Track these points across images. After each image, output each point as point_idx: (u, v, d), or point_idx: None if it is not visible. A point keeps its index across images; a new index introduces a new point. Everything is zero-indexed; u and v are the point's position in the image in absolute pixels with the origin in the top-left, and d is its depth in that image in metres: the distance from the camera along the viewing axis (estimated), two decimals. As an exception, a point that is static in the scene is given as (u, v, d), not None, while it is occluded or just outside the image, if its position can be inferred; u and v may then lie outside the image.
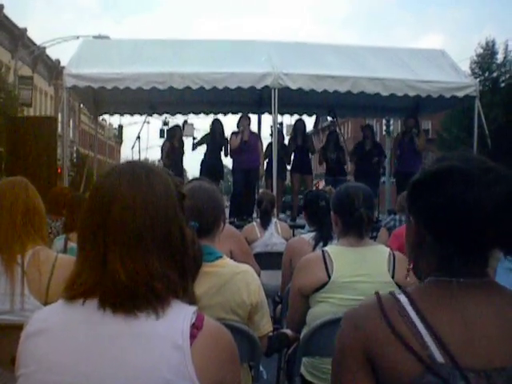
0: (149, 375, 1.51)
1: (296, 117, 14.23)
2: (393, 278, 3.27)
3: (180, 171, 12.78)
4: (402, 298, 1.67)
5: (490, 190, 1.63)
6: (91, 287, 1.61)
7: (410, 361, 1.57)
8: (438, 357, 1.55)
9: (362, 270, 3.32)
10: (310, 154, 13.61)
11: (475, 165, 1.69)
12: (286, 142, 13.33)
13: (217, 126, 12.79)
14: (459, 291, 1.67)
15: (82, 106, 14.98)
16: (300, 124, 13.34)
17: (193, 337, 1.55)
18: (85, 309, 1.60)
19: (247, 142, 12.00)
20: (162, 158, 13.14)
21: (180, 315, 1.60)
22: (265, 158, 13.03)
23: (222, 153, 12.66)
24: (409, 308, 1.63)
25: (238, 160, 12.27)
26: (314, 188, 17.23)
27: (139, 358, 1.53)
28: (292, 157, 13.18)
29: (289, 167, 13.44)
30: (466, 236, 1.66)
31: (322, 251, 3.46)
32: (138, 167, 1.73)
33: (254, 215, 11.30)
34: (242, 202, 12.28)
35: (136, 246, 1.61)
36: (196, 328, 1.58)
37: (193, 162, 13.61)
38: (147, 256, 1.61)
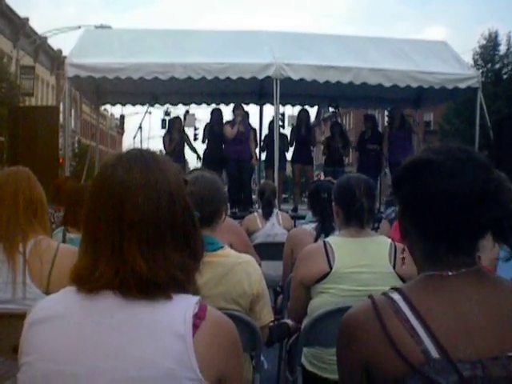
0: (151, 365, 1.51)
1: (298, 107, 14.23)
2: (394, 268, 3.27)
3: (181, 162, 12.78)
4: (396, 296, 1.68)
5: (463, 179, 1.65)
6: (110, 279, 1.59)
7: (400, 365, 1.58)
8: (433, 352, 1.57)
9: (363, 261, 3.32)
10: (311, 146, 13.57)
11: (452, 156, 1.70)
12: (285, 132, 13.30)
13: (216, 115, 12.79)
14: (450, 284, 1.69)
15: (82, 96, 14.94)
16: (304, 114, 13.33)
17: (195, 327, 1.55)
18: (91, 299, 1.60)
19: (242, 133, 12.00)
20: (164, 148, 13.17)
21: (183, 305, 1.59)
22: (264, 150, 13.01)
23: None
24: (403, 305, 1.65)
25: (231, 150, 12.22)
26: (316, 179, 17.23)
27: (142, 349, 1.53)
28: (293, 147, 13.17)
29: (289, 157, 13.42)
30: (445, 227, 1.68)
31: (324, 242, 3.47)
32: (147, 154, 1.72)
33: (255, 205, 11.29)
34: (239, 193, 12.29)
35: (154, 235, 1.60)
36: (199, 318, 1.57)
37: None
38: (165, 245, 1.61)
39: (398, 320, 1.62)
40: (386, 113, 19.04)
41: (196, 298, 1.63)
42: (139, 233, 1.60)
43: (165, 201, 1.63)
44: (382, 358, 1.62)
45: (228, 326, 1.66)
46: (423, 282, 1.72)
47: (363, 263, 3.32)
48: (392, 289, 1.74)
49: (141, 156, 1.70)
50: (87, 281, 1.61)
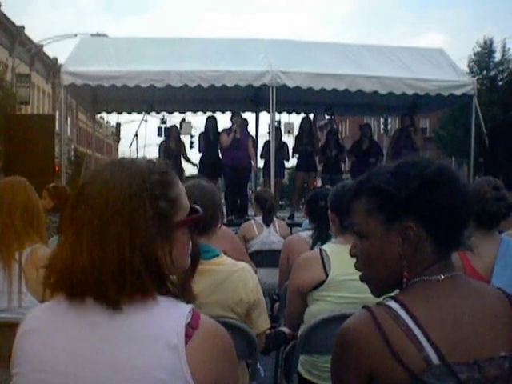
0: (143, 376, 1.48)
1: (294, 115, 14.27)
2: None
3: (178, 170, 12.73)
4: (393, 305, 1.68)
5: (464, 183, 1.80)
6: (61, 279, 1.57)
7: (402, 374, 1.59)
8: (434, 358, 1.58)
9: (359, 268, 3.32)
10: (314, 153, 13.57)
11: (446, 165, 1.84)
12: (286, 140, 13.34)
13: (211, 123, 12.81)
14: (444, 288, 1.71)
15: (78, 104, 14.96)
16: (306, 121, 13.40)
17: (188, 336, 1.52)
18: (77, 307, 1.57)
19: (239, 140, 12.02)
20: (159, 157, 13.17)
21: (175, 314, 1.56)
22: (262, 157, 13.02)
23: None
24: (402, 313, 1.65)
25: (228, 157, 12.25)
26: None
27: (133, 359, 1.50)
28: (297, 155, 13.19)
29: (287, 164, 13.43)
30: (464, 229, 1.76)
31: (320, 250, 3.47)
32: (114, 160, 1.70)
33: (251, 213, 11.30)
34: (235, 200, 12.29)
35: (101, 233, 1.55)
36: (192, 327, 1.54)
37: (191, 159, 13.57)
38: (112, 244, 1.54)
39: (399, 328, 1.62)
40: (381, 120, 19.02)
41: (189, 307, 1.60)
42: (88, 230, 1.56)
43: (112, 201, 1.57)
44: (384, 369, 1.61)
45: (221, 335, 1.62)
46: (417, 287, 1.72)
47: (359, 271, 3.32)
48: (386, 297, 1.74)
49: (109, 162, 1.70)
50: (68, 287, 1.58)
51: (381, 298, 1.79)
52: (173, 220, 1.63)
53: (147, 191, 1.59)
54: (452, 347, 1.60)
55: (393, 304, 1.68)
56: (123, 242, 1.53)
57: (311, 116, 14.73)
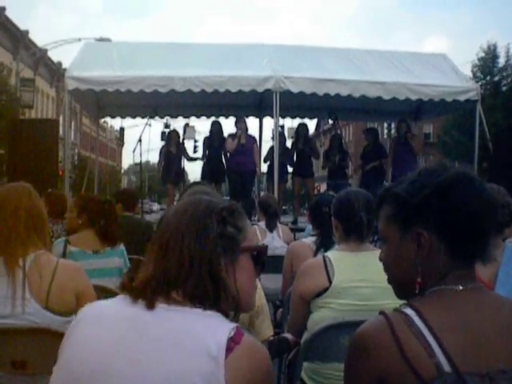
0: (180, 379, 1.54)
1: (297, 120, 14.27)
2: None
3: (178, 175, 12.82)
4: (409, 311, 1.69)
5: (487, 191, 1.77)
6: (137, 286, 1.72)
7: (413, 381, 1.59)
8: (446, 366, 1.58)
9: (362, 275, 3.32)
10: (312, 158, 13.54)
11: (466, 170, 1.81)
12: (288, 144, 13.35)
13: (215, 128, 12.83)
14: (461, 299, 1.71)
15: (82, 109, 15.00)
16: (302, 128, 13.36)
17: (229, 350, 1.57)
18: (132, 306, 1.69)
19: (243, 145, 12.02)
20: (159, 161, 13.23)
21: (220, 327, 1.63)
22: (266, 161, 13.02)
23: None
24: (417, 320, 1.66)
25: (233, 162, 12.29)
26: (316, 191, 17.22)
27: (174, 362, 1.57)
28: (294, 160, 13.18)
29: (290, 170, 13.43)
30: (478, 239, 1.75)
31: (323, 256, 3.46)
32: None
33: (254, 218, 11.29)
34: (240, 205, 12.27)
35: (172, 247, 1.73)
36: (233, 342, 1.59)
37: (195, 164, 13.60)
38: (184, 255, 1.71)
39: (413, 335, 1.63)
40: (385, 125, 18.99)
41: (234, 324, 1.67)
42: (156, 250, 1.80)
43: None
44: (396, 374, 1.62)
45: (262, 355, 1.67)
46: (435, 296, 1.73)
47: (363, 277, 3.31)
48: (403, 304, 1.75)
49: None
50: (130, 288, 1.74)
51: (386, 303, 1.81)
52: (238, 244, 1.80)
53: (216, 214, 1.78)
54: (465, 357, 1.60)
55: (409, 311, 1.69)
56: (194, 252, 1.70)
57: (314, 121, 14.73)
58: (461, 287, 1.72)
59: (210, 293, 1.68)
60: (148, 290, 1.69)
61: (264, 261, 1.95)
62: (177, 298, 1.68)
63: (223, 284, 1.72)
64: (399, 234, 1.81)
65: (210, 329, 1.62)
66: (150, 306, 1.66)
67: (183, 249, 1.71)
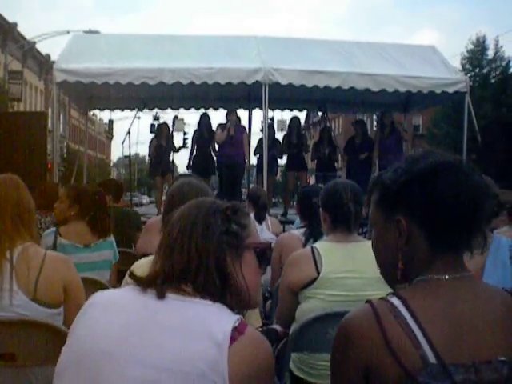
0: (187, 362, 1.61)
1: (287, 112, 14.28)
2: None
3: (168, 167, 12.80)
4: (396, 301, 1.68)
5: (474, 178, 1.73)
6: (149, 277, 1.82)
7: (398, 371, 1.59)
8: (431, 357, 1.58)
9: (350, 266, 3.33)
10: (304, 153, 13.55)
11: (453, 158, 1.78)
12: (280, 137, 13.35)
13: (204, 120, 12.81)
14: (448, 288, 1.70)
15: (71, 101, 14.95)
16: (295, 121, 13.36)
17: (233, 339, 1.64)
18: (143, 294, 1.77)
19: (233, 137, 12.00)
20: (149, 154, 13.19)
21: (225, 317, 1.71)
22: (255, 154, 13.01)
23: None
24: (403, 310, 1.65)
25: (223, 154, 12.26)
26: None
27: (180, 346, 1.63)
28: (286, 154, 13.18)
29: (280, 161, 13.43)
30: (460, 228, 1.72)
31: (311, 247, 3.47)
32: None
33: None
34: (230, 197, 12.24)
35: (171, 250, 1.82)
36: (238, 332, 1.66)
37: (183, 157, 13.57)
38: (192, 249, 1.79)
39: (399, 325, 1.62)
40: (374, 117, 19.01)
41: (239, 316, 1.74)
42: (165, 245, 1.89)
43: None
44: (381, 364, 1.62)
45: (264, 346, 1.75)
46: (421, 286, 1.73)
47: (351, 268, 3.32)
48: (390, 293, 1.74)
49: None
50: (141, 278, 1.83)
51: (375, 294, 1.81)
52: (242, 241, 1.87)
53: (221, 213, 1.87)
54: (450, 347, 1.60)
55: (395, 300, 1.68)
56: (201, 247, 1.79)
57: (304, 114, 14.73)
58: (447, 276, 1.71)
59: (218, 287, 1.77)
60: (158, 280, 1.78)
61: (269, 258, 2.03)
62: (186, 289, 1.76)
63: (231, 279, 1.81)
64: (383, 220, 1.82)
65: (216, 318, 1.70)
66: (161, 295, 1.74)
67: (191, 246, 1.79)
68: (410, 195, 1.74)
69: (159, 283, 1.77)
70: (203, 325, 1.67)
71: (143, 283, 1.80)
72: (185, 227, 1.83)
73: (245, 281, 1.83)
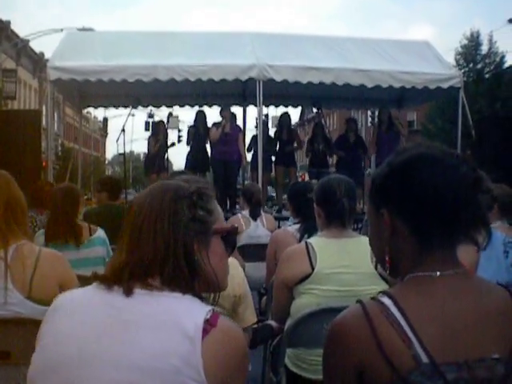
0: (159, 359, 1.57)
1: (281, 108, 14.26)
2: (376, 268, 3.27)
3: (163, 165, 12.80)
4: (387, 301, 1.65)
5: (458, 171, 1.69)
6: (111, 272, 1.76)
7: (390, 372, 1.58)
8: (423, 357, 1.56)
9: (345, 261, 3.33)
10: (294, 148, 13.56)
11: (439, 150, 1.75)
12: (271, 133, 13.36)
13: (200, 117, 12.78)
14: (439, 286, 1.67)
15: (65, 99, 14.92)
16: (285, 117, 13.36)
17: (205, 332, 1.60)
18: (109, 292, 1.70)
19: (227, 134, 11.98)
20: (148, 151, 13.18)
21: (196, 309, 1.66)
22: (249, 150, 13.01)
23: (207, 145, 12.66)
24: (393, 309, 1.63)
25: (217, 151, 12.25)
26: (300, 180, 17.23)
27: (151, 343, 1.60)
28: (276, 150, 13.17)
29: (274, 158, 13.44)
30: (444, 222, 1.68)
31: (306, 243, 3.47)
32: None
33: (238, 207, 11.29)
34: (223, 194, 12.26)
35: (147, 232, 1.75)
36: (210, 324, 1.62)
37: (178, 154, 13.59)
38: (158, 239, 1.73)
39: (390, 326, 1.60)
40: (368, 113, 19.01)
41: (210, 307, 1.70)
42: (129, 235, 1.80)
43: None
44: (373, 365, 1.60)
45: (237, 337, 1.70)
46: (412, 284, 1.70)
47: (345, 264, 3.33)
48: (380, 292, 1.72)
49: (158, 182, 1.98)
50: (104, 278, 1.76)
51: (369, 289, 1.81)
52: (209, 227, 1.82)
53: (186, 198, 1.79)
54: (442, 346, 1.58)
55: (386, 300, 1.66)
56: (168, 237, 1.73)
57: (298, 110, 14.76)
58: (438, 273, 1.68)
59: (187, 276, 1.72)
60: (124, 275, 1.70)
61: (235, 242, 1.98)
62: (154, 283, 1.70)
63: (199, 267, 1.75)
64: (373, 213, 1.81)
65: (186, 311, 1.65)
66: (128, 291, 1.68)
67: (157, 234, 1.73)
68: (390, 188, 1.73)
69: (125, 279, 1.70)
70: (174, 319, 1.63)
71: (109, 280, 1.73)
72: (150, 215, 1.76)
73: (212, 267, 1.79)
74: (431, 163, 1.70)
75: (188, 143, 12.81)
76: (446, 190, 1.66)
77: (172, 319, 1.63)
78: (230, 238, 1.92)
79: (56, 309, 1.76)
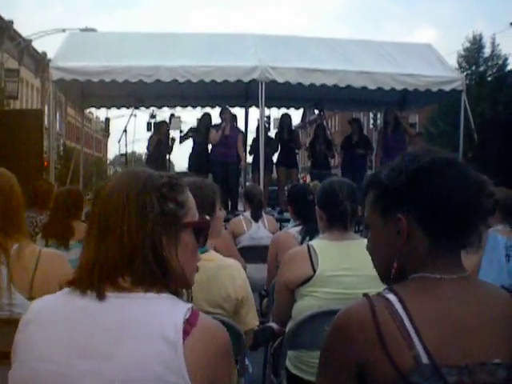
0: (140, 368, 1.52)
1: (283, 110, 14.25)
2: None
3: (165, 164, 12.80)
4: (392, 297, 1.67)
5: (468, 176, 1.74)
6: (80, 274, 1.67)
7: (390, 369, 1.58)
8: (424, 357, 1.57)
9: (346, 264, 3.33)
10: (295, 149, 13.56)
11: (449, 156, 1.78)
12: (272, 135, 13.34)
13: (205, 119, 12.76)
14: (444, 288, 1.69)
15: (67, 99, 14.90)
16: (286, 118, 13.34)
17: (186, 333, 1.55)
18: (82, 298, 1.63)
19: (227, 137, 11.97)
20: (148, 150, 13.16)
21: (174, 310, 1.60)
22: (251, 154, 13.00)
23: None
24: (398, 307, 1.64)
25: (216, 153, 12.22)
26: (302, 181, 17.23)
27: (131, 351, 1.53)
28: (278, 151, 13.17)
29: (275, 160, 13.44)
30: (455, 225, 1.71)
31: (307, 245, 3.47)
32: (128, 169, 1.86)
33: (240, 208, 11.29)
34: (225, 196, 12.25)
35: (113, 227, 1.66)
36: (190, 324, 1.57)
37: (180, 155, 13.57)
38: (125, 235, 1.65)
39: (393, 322, 1.61)
40: (371, 115, 18.98)
41: (189, 305, 1.64)
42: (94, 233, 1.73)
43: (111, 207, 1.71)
44: (374, 360, 1.61)
45: (220, 334, 1.65)
46: (417, 283, 1.71)
47: (347, 266, 3.33)
48: (386, 289, 1.73)
49: (125, 169, 1.90)
50: (75, 281, 1.67)
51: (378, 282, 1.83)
52: (179, 221, 1.73)
53: (156, 190, 1.70)
54: (444, 349, 1.58)
55: (391, 296, 1.67)
56: (135, 232, 1.64)
57: (300, 112, 14.76)
58: (445, 276, 1.70)
59: (158, 275, 1.64)
60: (94, 278, 1.63)
61: (206, 234, 1.86)
62: (125, 284, 1.63)
63: (168, 264, 1.67)
64: (381, 220, 1.80)
65: (164, 313, 1.60)
66: (101, 296, 1.61)
67: (124, 231, 1.64)
68: (409, 194, 1.73)
69: (96, 281, 1.62)
70: (152, 323, 1.57)
71: (80, 284, 1.65)
72: (116, 209, 1.66)
73: (180, 263, 1.70)
74: (444, 168, 1.73)
75: (181, 142, 12.82)
76: (459, 194, 1.69)
77: (150, 323, 1.57)
78: (201, 230, 1.82)
79: (29, 322, 1.67)
